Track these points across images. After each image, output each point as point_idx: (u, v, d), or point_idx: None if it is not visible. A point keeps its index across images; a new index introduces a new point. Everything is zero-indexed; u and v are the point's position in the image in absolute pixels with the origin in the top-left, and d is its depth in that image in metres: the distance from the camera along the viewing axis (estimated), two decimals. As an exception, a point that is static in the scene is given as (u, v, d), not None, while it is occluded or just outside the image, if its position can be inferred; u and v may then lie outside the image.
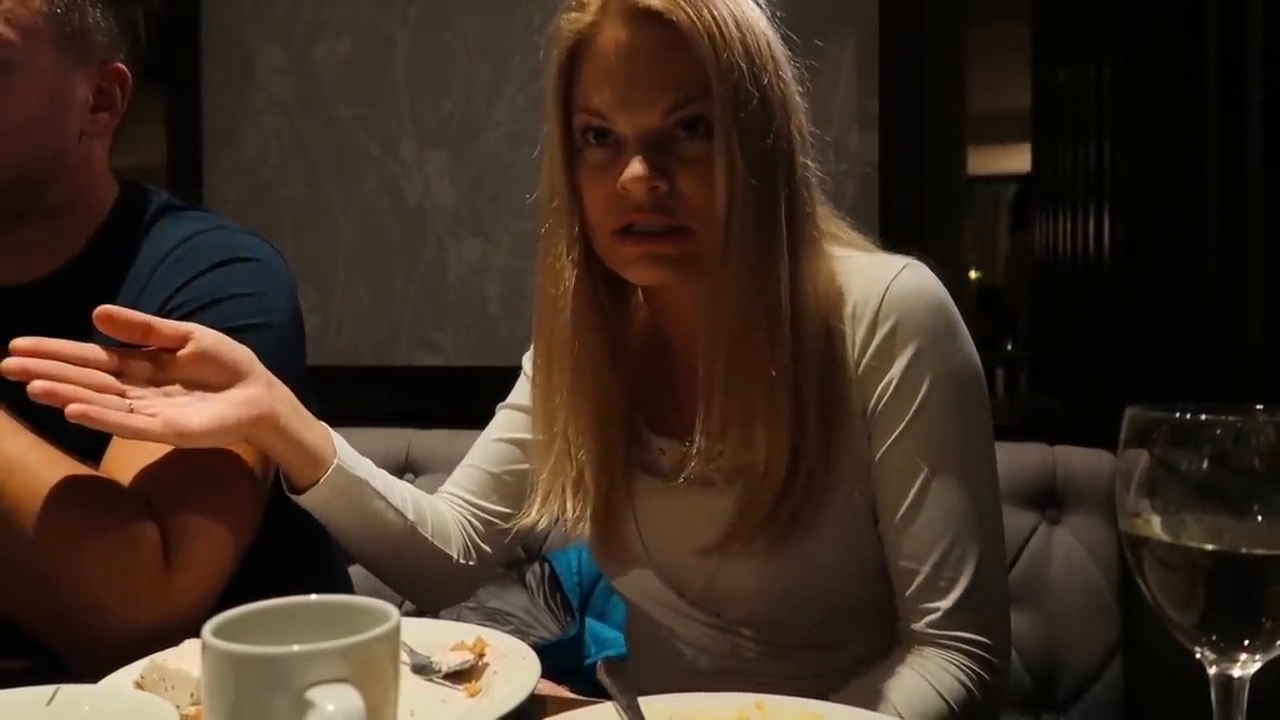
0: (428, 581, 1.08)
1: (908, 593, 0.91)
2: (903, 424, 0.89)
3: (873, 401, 0.90)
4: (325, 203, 2.37)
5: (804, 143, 0.91)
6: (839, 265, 0.94)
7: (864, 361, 0.90)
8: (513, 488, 1.09)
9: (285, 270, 1.13)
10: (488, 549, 1.10)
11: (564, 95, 0.90)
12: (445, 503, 1.11)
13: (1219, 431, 0.51)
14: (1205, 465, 0.52)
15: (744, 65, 0.84)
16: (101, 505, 0.85)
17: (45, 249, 1.09)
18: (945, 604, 0.88)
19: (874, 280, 0.91)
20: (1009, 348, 5.22)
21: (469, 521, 1.10)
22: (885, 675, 0.88)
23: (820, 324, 0.90)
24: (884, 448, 0.90)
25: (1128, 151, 1.97)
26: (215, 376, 0.86)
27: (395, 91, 2.31)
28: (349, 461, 0.96)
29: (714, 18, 0.84)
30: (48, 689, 0.64)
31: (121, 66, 1.09)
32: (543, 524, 1.00)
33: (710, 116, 0.85)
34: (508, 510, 1.09)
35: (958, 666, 0.87)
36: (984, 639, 0.88)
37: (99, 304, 1.05)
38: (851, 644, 0.95)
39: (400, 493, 1.03)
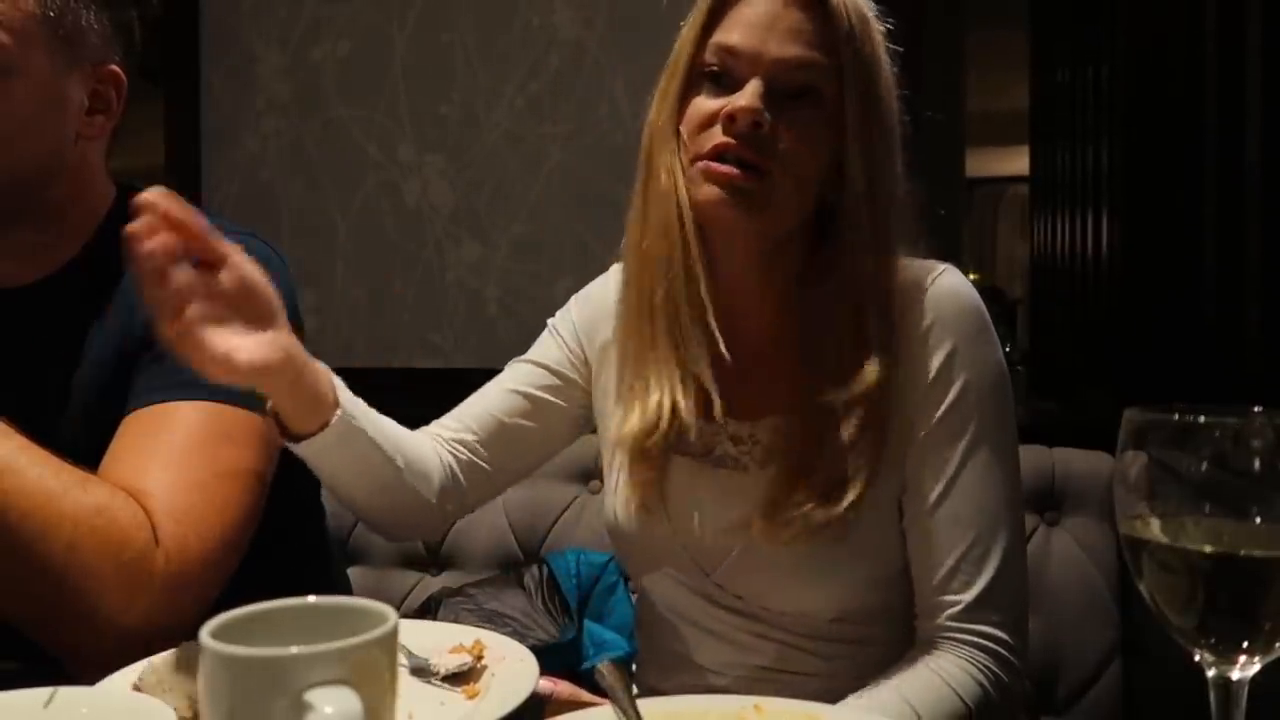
0: (404, 520, 1.06)
1: (930, 584, 0.92)
2: (935, 419, 0.92)
3: (907, 399, 0.93)
4: (324, 204, 2.37)
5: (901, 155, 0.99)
6: None
7: (902, 359, 0.93)
8: (516, 440, 1.08)
9: (284, 271, 1.12)
10: (469, 494, 1.08)
11: (704, 30, 0.94)
12: (431, 440, 1.09)
13: (1217, 433, 0.51)
14: (1204, 467, 0.52)
15: (877, 67, 0.93)
16: (95, 506, 0.85)
17: (42, 251, 1.08)
18: (967, 597, 0.89)
19: (914, 280, 0.96)
20: (1008, 349, 5.23)
21: (456, 461, 1.08)
22: (902, 674, 0.88)
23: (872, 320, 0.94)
24: (915, 442, 0.93)
25: (1126, 153, 1.97)
26: (247, 311, 0.82)
27: (394, 93, 2.31)
28: (350, 409, 0.93)
29: (860, 15, 0.92)
30: (45, 691, 0.64)
31: (116, 69, 1.09)
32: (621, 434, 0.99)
33: (825, 90, 0.91)
34: (502, 460, 1.08)
35: (976, 665, 0.88)
36: (1003, 635, 0.89)
37: (96, 307, 1.05)
38: (874, 644, 0.96)
39: (391, 437, 1.01)
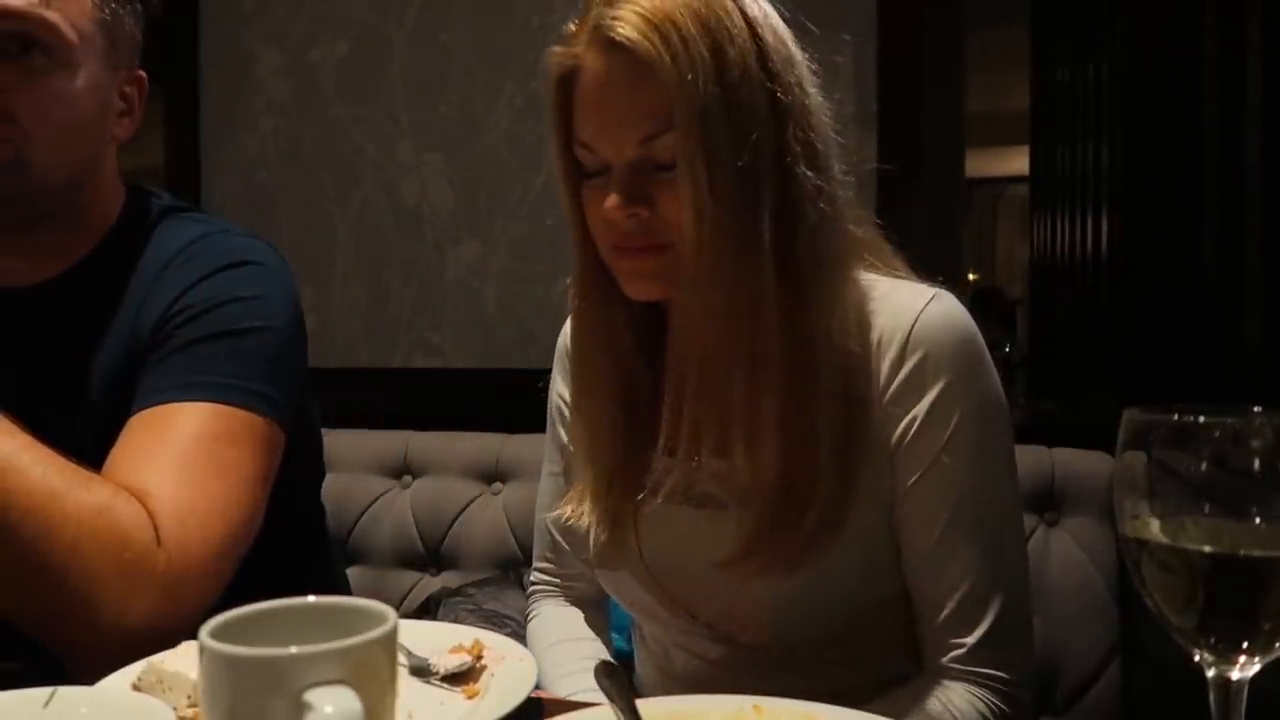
0: None
1: (933, 626, 0.90)
2: (931, 458, 0.88)
3: (898, 434, 0.89)
4: (323, 204, 2.37)
5: (809, 153, 0.87)
6: (864, 291, 0.92)
7: (890, 393, 0.89)
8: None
9: (288, 274, 1.13)
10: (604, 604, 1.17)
11: (563, 124, 0.91)
12: (564, 603, 1.16)
13: (1217, 433, 0.51)
14: (1204, 467, 0.51)
15: (714, 88, 0.81)
16: (96, 506, 0.85)
17: (57, 251, 1.09)
18: (971, 639, 0.87)
19: (902, 310, 0.90)
20: (1007, 349, 5.22)
21: (581, 597, 1.15)
22: (908, 706, 0.87)
23: (839, 350, 0.88)
24: (911, 481, 0.89)
25: (1126, 152, 1.97)
26: None
27: (393, 93, 2.31)
28: None
29: (681, 39, 0.81)
30: (45, 690, 0.64)
31: (142, 73, 1.13)
32: (583, 522, 1.00)
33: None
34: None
35: (982, 701, 0.86)
36: (1008, 674, 0.87)
37: (105, 307, 1.06)
38: (866, 662, 0.95)
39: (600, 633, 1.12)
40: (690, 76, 0.81)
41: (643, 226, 0.86)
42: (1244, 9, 1.75)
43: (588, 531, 1.00)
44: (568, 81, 0.90)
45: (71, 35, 1.01)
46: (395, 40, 2.30)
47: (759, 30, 0.85)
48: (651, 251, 0.87)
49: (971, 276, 7.60)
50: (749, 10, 0.86)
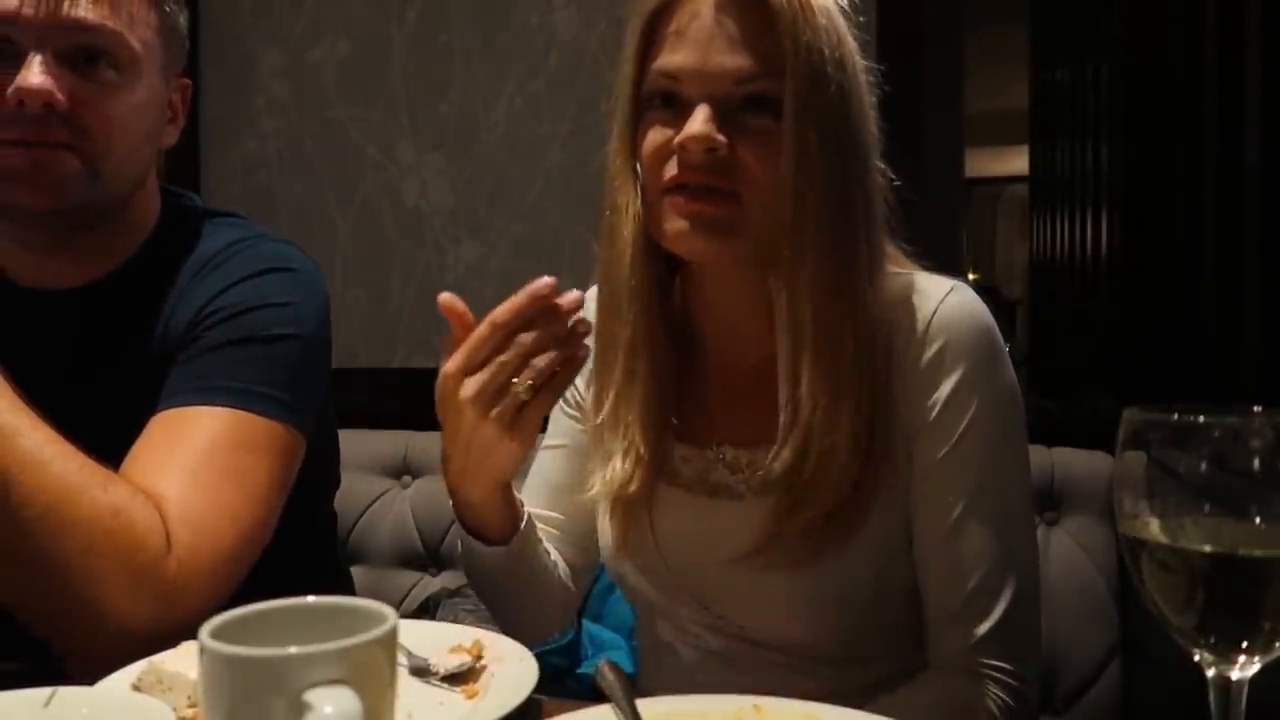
0: (551, 617, 1.10)
1: (941, 617, 0.90)
2: (948, 446, 0.88)
3: (917, 421, 0.89)
4: (323, 204, 2.37)
5: (877, 149, 0.91)
6: (891, 283, 0.93)
7: (910, 380, 0.89)
8: (584, 520, 1.08)
9: (322, 282, 1.14)
10: (584, 578, 1.12)
11: (641, 55, 0.89)
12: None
13: (1217, 433, 0.51)
14: (1203, 467, 0.51)
15: (826, 51, 0.85)
16: (112, 507, 0.85)
17: (101, 253, 1.09)
18: (979, 631, 0.87)
19: (923, 299, 0.91)
20: (1007, 348, 5.23)
21: (562, 556, 1.11)
22: (913, 700, 0.86)
23: (879, 338, 0.89)
24: (927, 468, 0.89)
25: (1125, 153, 1.97)
26: None
27: (393, 93, 2.31)
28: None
29: (805, 4, 0.84)
30: (45, 690, 0.64)
31: (187, 80, 1.14)
32: (597, 491, 0.98)
33: (779, 96, 0.84)
34: (588, 542, 1.08)
35: (989, 696, 0.86)
36: (1015, 668, 0.87)
37: (146, 308, 1.07)
38: (878, 661, 0.94)
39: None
40: (808, 35, 0.84)
41: (717, 164, 0.84)
42: (1244, 9, 1.75)
43: (596, 520, 1.00)
44: (663, 11, 0.88)
45: (137, 47, 1.01)
46: (395, 40, 2.30)
47: (852, 32, 0.91)
48: (717, 198, 0.85)
49: (971, 276, 7.60)
50: (846, 14, 0.91)
